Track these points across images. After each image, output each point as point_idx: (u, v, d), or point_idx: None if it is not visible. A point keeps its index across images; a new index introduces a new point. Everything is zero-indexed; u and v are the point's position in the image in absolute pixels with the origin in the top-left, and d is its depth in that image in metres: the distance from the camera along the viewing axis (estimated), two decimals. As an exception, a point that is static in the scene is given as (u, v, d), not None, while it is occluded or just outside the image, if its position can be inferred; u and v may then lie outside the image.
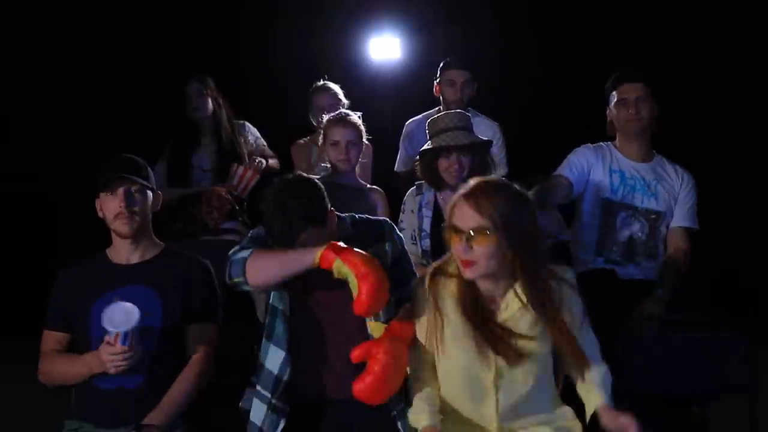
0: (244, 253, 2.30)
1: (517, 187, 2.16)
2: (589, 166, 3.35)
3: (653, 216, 3.30)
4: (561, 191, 3.29)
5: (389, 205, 3.49)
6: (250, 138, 4.15)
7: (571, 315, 2.18)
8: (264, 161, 4.05)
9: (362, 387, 2.12)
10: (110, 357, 2.35)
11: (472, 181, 2.16)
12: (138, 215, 2.55)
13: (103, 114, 4.84)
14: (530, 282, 2.13)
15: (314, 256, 2.18)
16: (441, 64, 4.02)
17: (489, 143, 3.27)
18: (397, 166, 4.14)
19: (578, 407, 2.29)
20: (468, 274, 2.11)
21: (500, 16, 4.82)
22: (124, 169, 2.54)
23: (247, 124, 4.19)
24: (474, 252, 2.07)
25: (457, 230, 2.09)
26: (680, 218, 3.32)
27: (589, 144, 3.41)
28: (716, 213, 3.52)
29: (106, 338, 2.36)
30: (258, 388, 2.41)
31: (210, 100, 3.97)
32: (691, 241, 3.33)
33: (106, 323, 2.31)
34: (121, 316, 2.32)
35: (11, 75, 4.85)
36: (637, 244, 3.28)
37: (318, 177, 3.35)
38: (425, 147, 3.21)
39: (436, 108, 4.08)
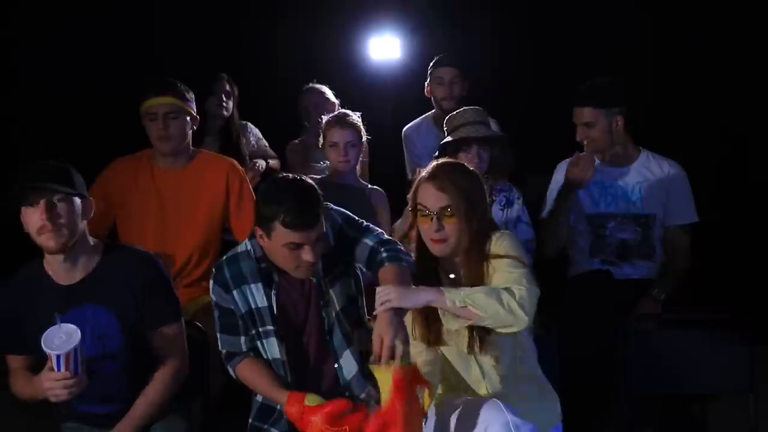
0: (233, 361, 2.41)
1: (469, 167, 2.35)
2: None
3: (643, 220, 3.27)
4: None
5: (390, 205, 3.49)
6: (251, 139, 4.15)
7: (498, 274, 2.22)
8: (264, 163, 4.05)
9: None
10: (49, 384, 2.15)
11: (433, 163, 2.32)
12: (65, 227, 2.25)
13: (103, 113, 4.84)
14: (469, 259, 2.26)
15: (283, 401, 2.27)
16: (430, 65, 4.01)
17: (505, 137, 3.28)
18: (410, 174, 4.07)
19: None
20: (438, 251, 2.26)
21: (500, 16, 4.81)
22: (42, 177, 2.23)
23: (249, 124, 4.19)
24: (444, 231, 2.22)
25: (426, 211, 2.23)
26: (675, 215, 3.30)
27: (567, 160, 3.39)
28: (716, 210, 3.52)
29: (48, 364, 2.17)
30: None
31: (232, 102, 3.99)
32: (689, 236, 3.31)
33: (45, 345, 2.12)
34: (60, 338, 2.12)
35: (11, 74, 4.84)
36: (631, 247, 3.27)
37: (318, 177, 3.39)
38: (446, 140, 3.25)
39: (432, 111, 4.07)
